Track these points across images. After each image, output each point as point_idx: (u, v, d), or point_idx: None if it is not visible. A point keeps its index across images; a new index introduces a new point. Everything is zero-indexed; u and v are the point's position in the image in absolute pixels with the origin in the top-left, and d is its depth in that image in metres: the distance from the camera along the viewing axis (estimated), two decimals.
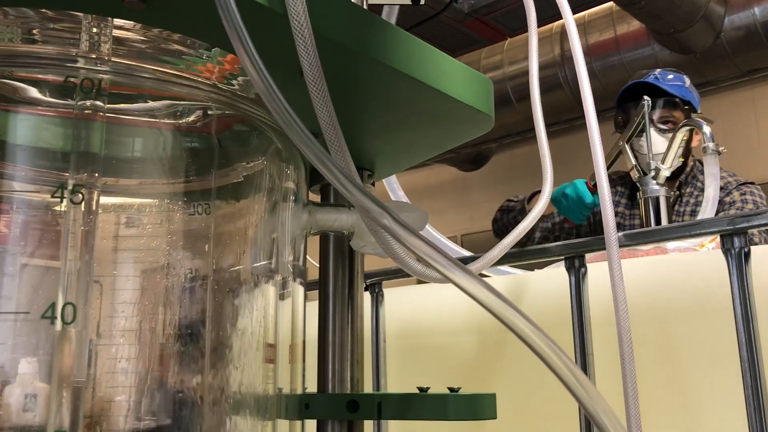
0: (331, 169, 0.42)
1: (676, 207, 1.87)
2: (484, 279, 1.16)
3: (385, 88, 0.60)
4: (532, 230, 2.01)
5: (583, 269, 0.83)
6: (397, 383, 1.03)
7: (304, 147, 0.42)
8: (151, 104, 0.53)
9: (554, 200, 1.87)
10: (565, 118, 4.25)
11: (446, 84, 0.60)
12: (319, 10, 0.50)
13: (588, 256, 0.92)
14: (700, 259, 0.82)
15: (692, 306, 0.79)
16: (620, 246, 0.76)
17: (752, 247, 0.72)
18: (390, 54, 0.56)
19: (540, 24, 4.35)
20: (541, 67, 4.05)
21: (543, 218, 2.04)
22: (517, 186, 5.34)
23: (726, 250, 0.72)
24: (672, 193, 1.85)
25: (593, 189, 1.84)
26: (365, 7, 0.75)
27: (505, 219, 2.14)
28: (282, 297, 0.61)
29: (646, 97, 1.64)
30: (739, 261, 0.71)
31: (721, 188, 1.91)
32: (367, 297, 1.06)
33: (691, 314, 0.79)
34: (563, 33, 3.95)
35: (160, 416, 0.49)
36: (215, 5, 0.43)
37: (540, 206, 0.77)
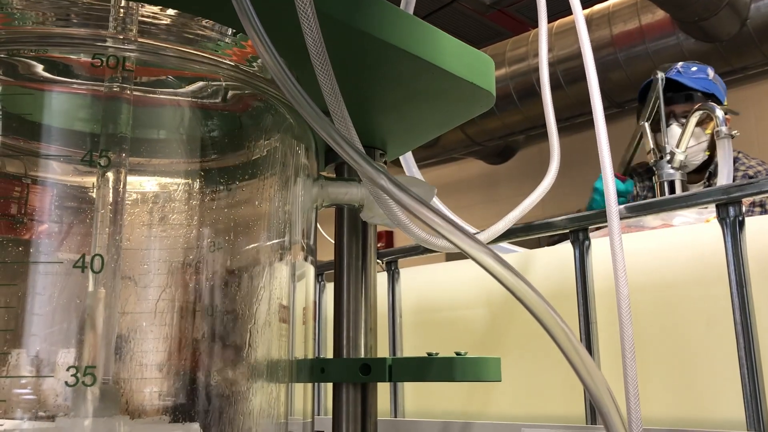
0: (333, 135, 0.46)
1: None
2: None
3: (389, 66, 0.63)
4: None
5: (587, 242, 0.87)
6: (412, 354, 1.06)
7: (305, 113, 0.46)
8: (178, 83, 0.56)
9: (588, 205, 1.94)
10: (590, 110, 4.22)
11: (446, 61, 0.63)
12: None
13: (599, 232, 0.95)
14: (699, 230, 0.85)
15: (691, 274, 0.82)
16: (621, 218, 0.79)
17: (747, 218, 0.75)
18: (391, 32, 0.59)
19: (562, 15, 4.28)
20: (566, 59, 4.05)
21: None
22: None
23: (722, 219, 0.74)
24: (703, 183, 1.88)
25: (622, 178, 1.89)
26: None
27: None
28: (295, 270, 0.65)
29: (658, 72, 1.66)
30: (733, 229, 0.74)
31: (751, 177, 1.92)
32: (384, 275, 1.09)
33: (689, 281, 0.82)
34: (588, 24, 3.93)
35: (182, 391, 0.52)
36: None
37: (547, 181, 0.80)
